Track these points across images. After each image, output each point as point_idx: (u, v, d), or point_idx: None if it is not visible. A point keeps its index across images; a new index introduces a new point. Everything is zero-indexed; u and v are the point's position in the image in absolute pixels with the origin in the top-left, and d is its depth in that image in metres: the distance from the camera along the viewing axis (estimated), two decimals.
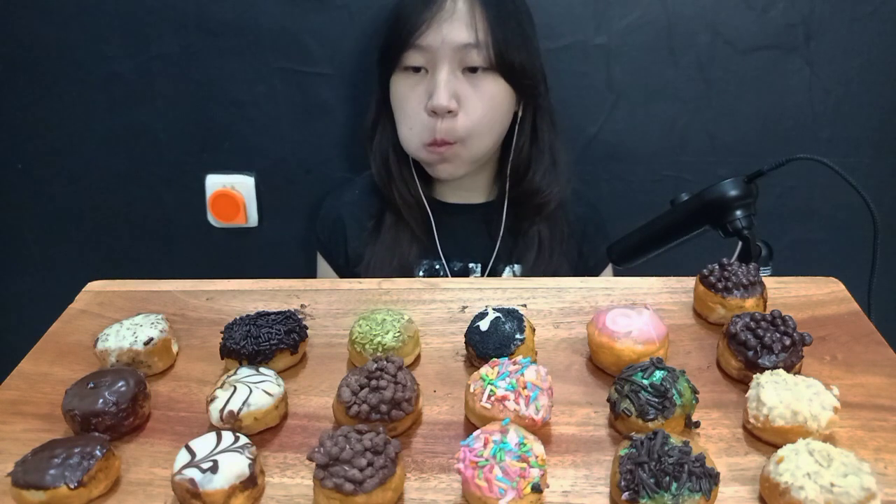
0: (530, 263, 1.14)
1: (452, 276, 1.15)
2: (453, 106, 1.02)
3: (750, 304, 0.77)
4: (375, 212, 1.17)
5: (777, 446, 0.60)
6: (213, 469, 0.57)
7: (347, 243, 1.19)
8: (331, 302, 0.85)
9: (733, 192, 0.91)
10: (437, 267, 1.16)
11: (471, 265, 1.17)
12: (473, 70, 1.03)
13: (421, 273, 1.16)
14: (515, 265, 1.16)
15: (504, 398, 0.62)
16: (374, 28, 1.15)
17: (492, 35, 1.01)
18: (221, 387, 0.66)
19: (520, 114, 1.11)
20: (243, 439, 0.61)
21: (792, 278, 0.86)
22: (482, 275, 1.16)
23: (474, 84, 1.04)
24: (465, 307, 0.83)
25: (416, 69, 1.04)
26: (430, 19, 1.00)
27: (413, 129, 1.06)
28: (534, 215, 1.14)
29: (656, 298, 0.84)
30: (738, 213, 0.91)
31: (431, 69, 1.03)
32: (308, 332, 0.77)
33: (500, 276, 1.16)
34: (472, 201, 1.19)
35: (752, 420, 0.63)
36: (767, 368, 0.67)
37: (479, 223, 1.18)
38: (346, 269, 1.21)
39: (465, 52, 1.01)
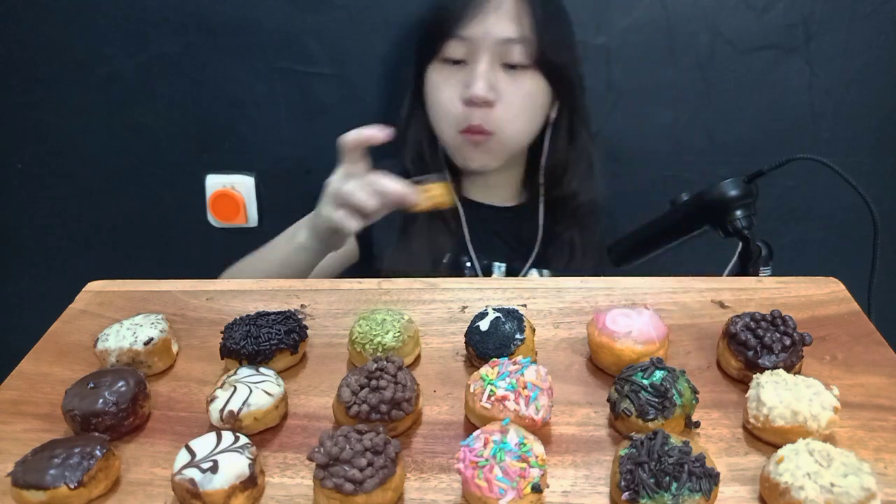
0: (560, 269, 1.13)
1: (478, 273, 1.14)
2: (491, 97, 1.01)
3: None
4: None
5: (777, 446, 0.60)
6: (213, 469, 0.57)
7: (372, 229, 1.17)
8: (331, 302, 0.85)
9: (733, 192, 0.91)
10: (466, 261, 1.14)
11: (495, 264, 1.15)
12: (513, 66, 1.02)
13: (444, 263, 1.13)
14: (544, 270, 1.15)
15: (504, 398, 0.62)
16: (411, 18, 1.13)
17: (536, 32, 1.01)
18: (221, 387, 0.66)
19: (553, 115, 1.11)
20: (243, 439, 0.60)
21: (792, 278, 0.86)
22: (506, 275, 1.15)
23: (513, 78, 1.03)
24: (465, 307, 0.83)
25: (456, 62, 1.03)
26: (475, 9, 0.99)
27: (448, 118, 1.06)
28: (568, 219, 1.13)
29: (656, 298, 0.84)
30: (738, 213, 0.91)
31: (471, 61, 1.02)
32: (308, 332, 0.76)
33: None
34: (499, 202, 1.17)
35: (752, 420, 0.63)
36: (767, 368, 0.67)
37: (506, 225, 1.17)
38: (366, 252, 1.17)
39: (507, 48, 1.01)
